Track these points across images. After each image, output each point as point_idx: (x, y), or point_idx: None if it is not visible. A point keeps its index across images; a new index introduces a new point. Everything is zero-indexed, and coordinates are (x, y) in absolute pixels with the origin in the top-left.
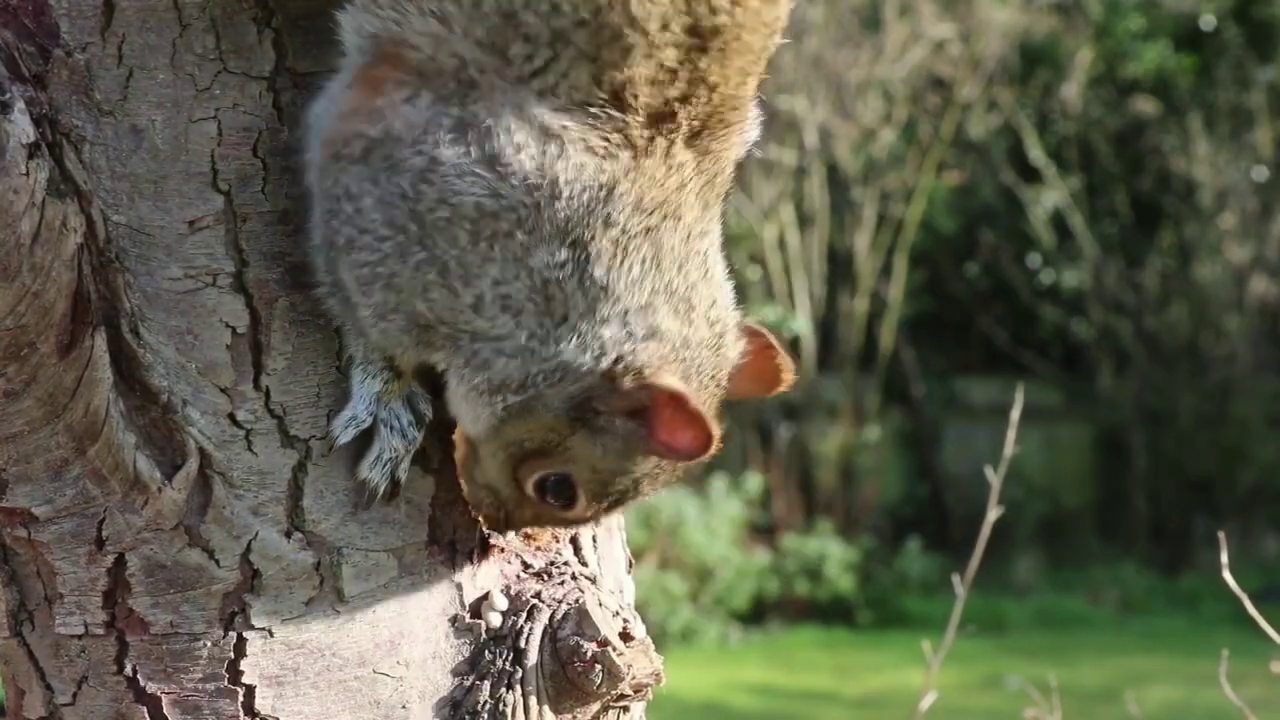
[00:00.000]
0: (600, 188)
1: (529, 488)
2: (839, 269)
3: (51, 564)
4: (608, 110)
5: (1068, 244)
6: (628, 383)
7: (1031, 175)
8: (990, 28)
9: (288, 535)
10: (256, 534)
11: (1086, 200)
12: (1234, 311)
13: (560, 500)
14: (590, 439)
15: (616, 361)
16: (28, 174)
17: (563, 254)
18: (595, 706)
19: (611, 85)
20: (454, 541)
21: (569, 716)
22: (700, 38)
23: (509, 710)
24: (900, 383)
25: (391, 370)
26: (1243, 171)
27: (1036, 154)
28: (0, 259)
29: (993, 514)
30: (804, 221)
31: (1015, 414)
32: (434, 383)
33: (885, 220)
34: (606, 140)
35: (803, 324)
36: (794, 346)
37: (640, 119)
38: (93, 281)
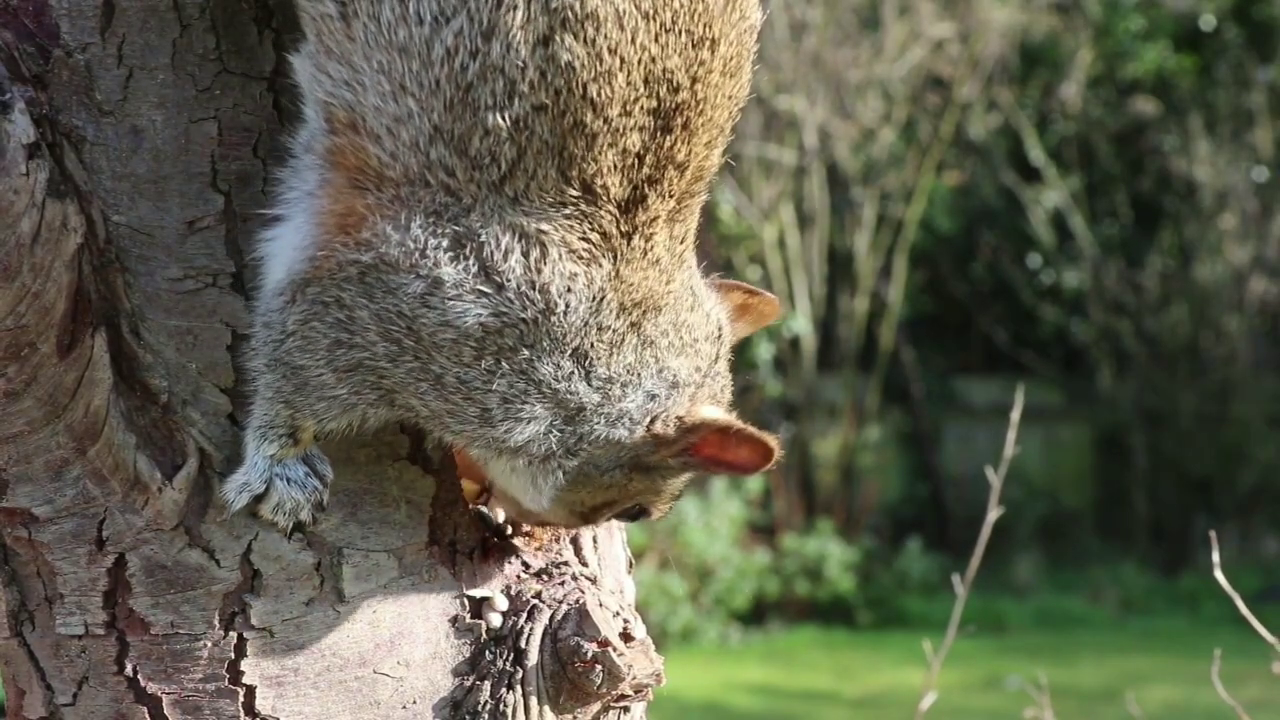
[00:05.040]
0: (592, 299)
1: (602, 520)
2: (839, 269)
3: (52, 564)
4: (581, 207)
5: (1068, 244)
6: (671, 433)
7: (1031, 175)
8: (990, 27)
9: (288, 535)
10: (257, 534)
11: (1086, 200)
12: (1234, 311)
13: (634, 518)
14: (648, 477)
15: (652, 422)
16: (28, 174)
17: (567, 364)
18: (596, 706)
19: (581, 179)
20: (454, 542)
21: (569, 717)
22: (663, 118)
23: (509, 710)
24: (900, 383)
25: (291, 437)
26: (1243, 172)
27: (1036, 154)
28: (0, 259)
29: (993, 514)
30: (804, 221)
31: (1016, 414)
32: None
33: (885, 220)
34: (586, 240)
35: (803, 324)
36: (794, 346)
37: (613, 210)
38: (93, 282)
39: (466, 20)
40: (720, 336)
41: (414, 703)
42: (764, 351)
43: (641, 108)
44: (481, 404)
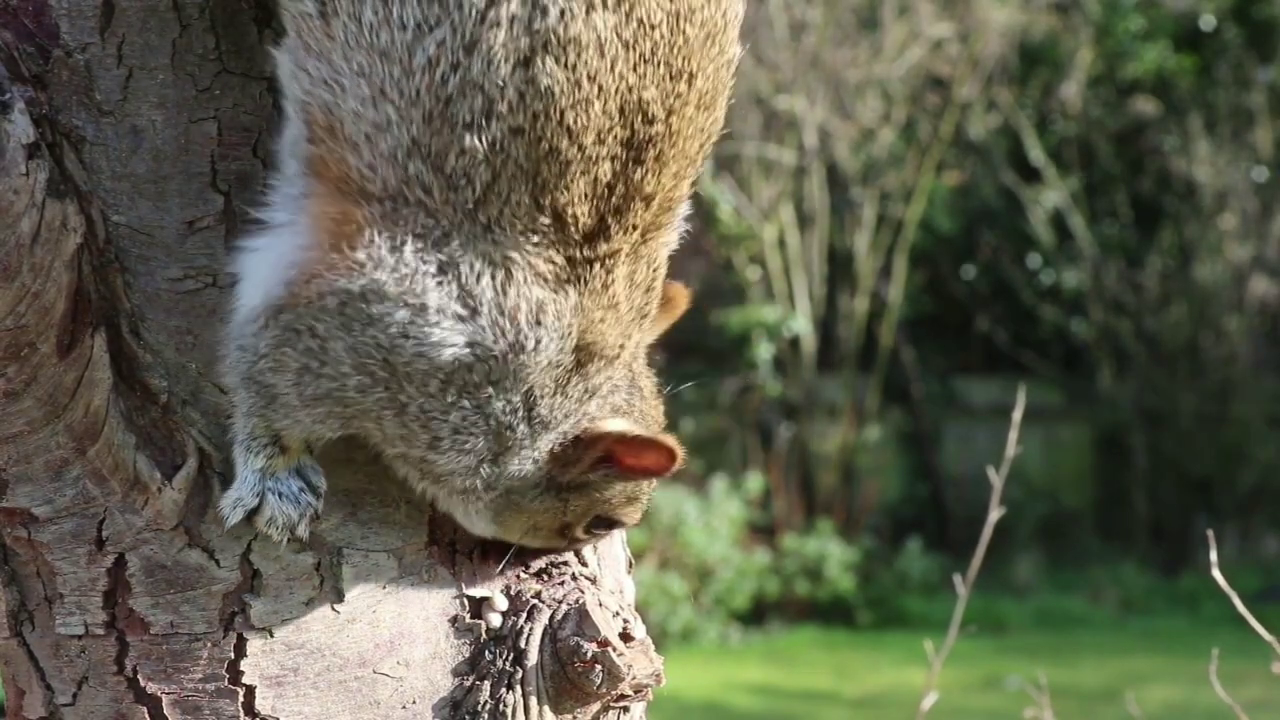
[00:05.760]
0: (561, 335)
1: (579, 536)
2: (839, 269)
3: (52, 564)
4: (550, 235)
5: (1068, 244)
6: (571, 452)
7: (1031, 175)
8: (989, 27)
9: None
10: (256, 535)
11: (1086, 200)
12: (1234, 311)
13: (612, 525)
14: (583, 494)
15: (552, 449)
16: (28, 174)
17: (516, 399)
18: (595, 707)
19: (553, 206)
20: (454, 542)
21: (569, 717)
22: (635, 149)
23: (509, 710)
24: (900, 383)
25: (276, 446)
26: (1243, 172)
27: (1036, 154)
28: (0, 259)
29: (994, 515)
30: (804, 221)
31: (1017, 415)
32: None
33: (885, 220)
34: (553, 264)
35: (803, 324)
36: (794, 346)
37: (578, 238)
38: (93, 282)
39: (450, 31)
40: (632, 352)
41: (414, 703)
42: (764, 351)
43: (615, 137)
44: (434, 433)
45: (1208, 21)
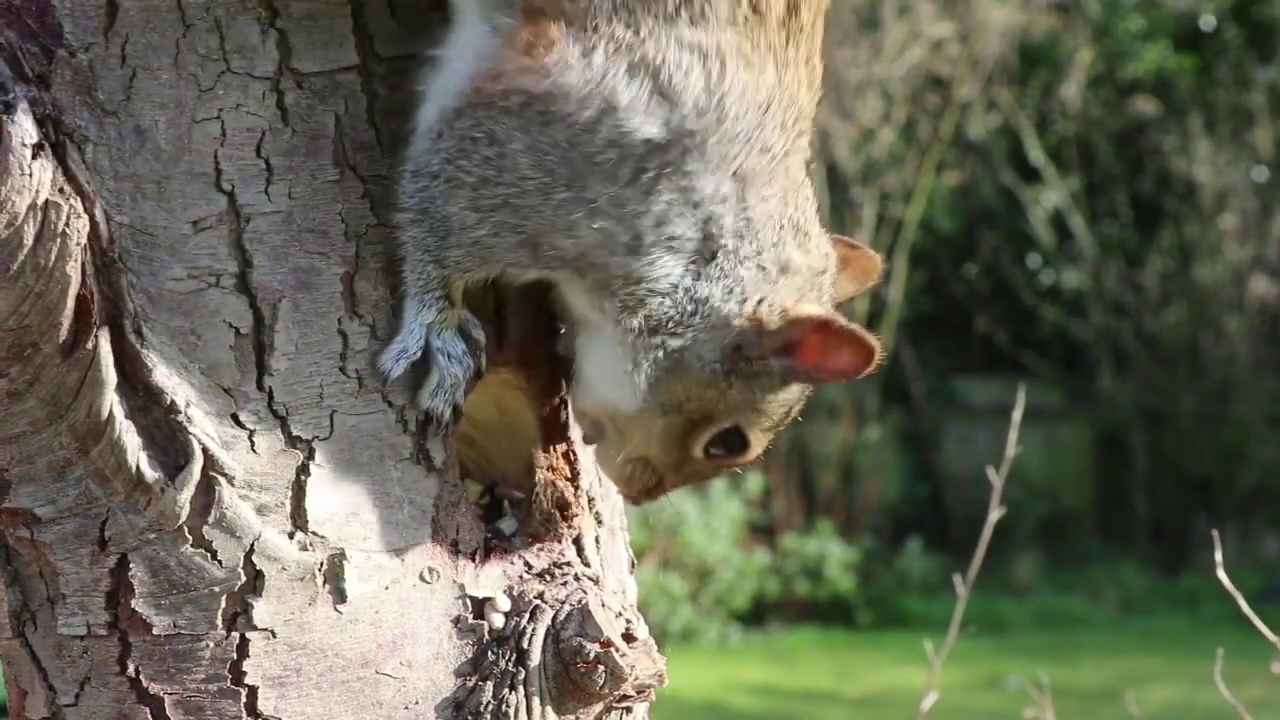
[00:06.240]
0: (759, 108)
1: (697, 448)
2: None
3: (54, 565)
4: (749, 25)
5: (1068, 244)
6: (775, 322)
7: (1031, 175)
8: (989, 27)
9: (290, 536)
10: (259, 535)
11: (1086, 200)
12: (1234, 311)
13: (733, 450)
14: (747, 385)
15: (759, 303)
16: (31, 174)
17: (727, 186)
18: (598, 707)
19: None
20: (456, 542)
21: (572, 717)
22: None
23: (512, 711)
24: (900, 383)
25: (447, 299)
26: (1243, 172)
27: (1036, 154)
28: (3, 259)
29: (994, 515)
30: None
31: (1017, 415)
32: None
33: (885, 220)
34: (756, 49)
35: None
36: None
37: (774, 24)
38: (96, 282)
39: None
40: (826, 253)
41: (416, 703)
42: None
43: None
44: (634, 228)
45: (1208, 21)
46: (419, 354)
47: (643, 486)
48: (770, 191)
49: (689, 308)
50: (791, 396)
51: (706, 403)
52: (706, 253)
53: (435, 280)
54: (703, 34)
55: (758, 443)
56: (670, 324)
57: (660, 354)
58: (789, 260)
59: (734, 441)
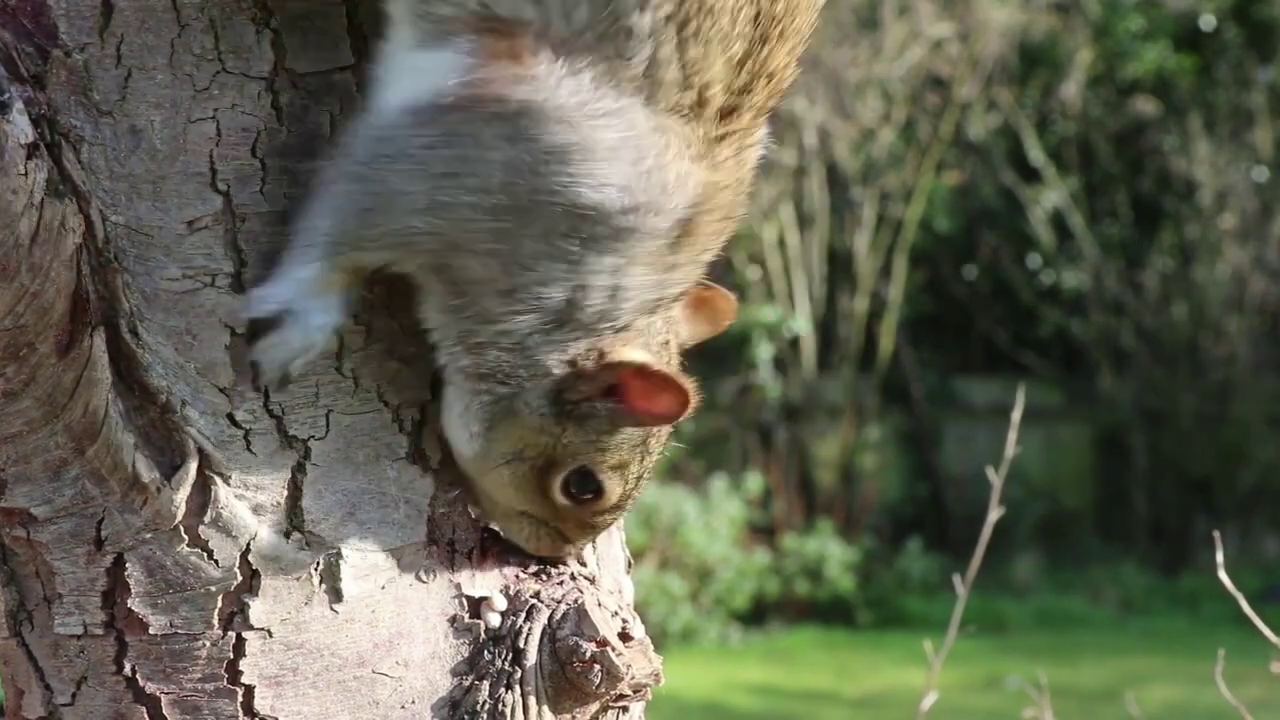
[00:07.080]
0: (686, 203)
1: (556, 494)
2: (839, 269)
3: (50, 564)
4: (693, 114)
5: (1068, 244)
6: (590, 366)
7: (1031, 175)
8: (989, 27)
9: (287, 535)
10: (255, 534)
11: (1086, 200)
12: (1234, 311)
13: (590, 492)
14: (580, 428)
15: (580, 350)
16: (26, 174)
17: (621, 270)
18: (594, 707)
19: (698, 86)
20: (453, 541)
21: (568, 717)
22: (762, 27)
23: (508, 710)
24: (900, 383)
25: (330, 262)
26: (1243, 172)
27: (1036, 154)
28: None
29: (994, 515)
30: (804, 222)
31: (1017, 415)
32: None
33: (885, 220)
34: (695, 139)
35: (803, 324)
36: (794, 346)
37: (713, 116)
38: (91, 282)
39: None
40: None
41: (413, 702)
42: (764, 351)
43: (744, 15)
44: (522, 279)
45: (1208, 21)
46: (276, 308)
47: (548, 545)
48: (651, 279)
49: (519, 361)
50: (633, 439)
51: (544, 447)
52: (562, 319)
53: (343, 244)
54: (656, 114)
55: (612, 480)
56: (499, 374)
57: (494, 397)
58: (626, 325)
59: (588, 482)
